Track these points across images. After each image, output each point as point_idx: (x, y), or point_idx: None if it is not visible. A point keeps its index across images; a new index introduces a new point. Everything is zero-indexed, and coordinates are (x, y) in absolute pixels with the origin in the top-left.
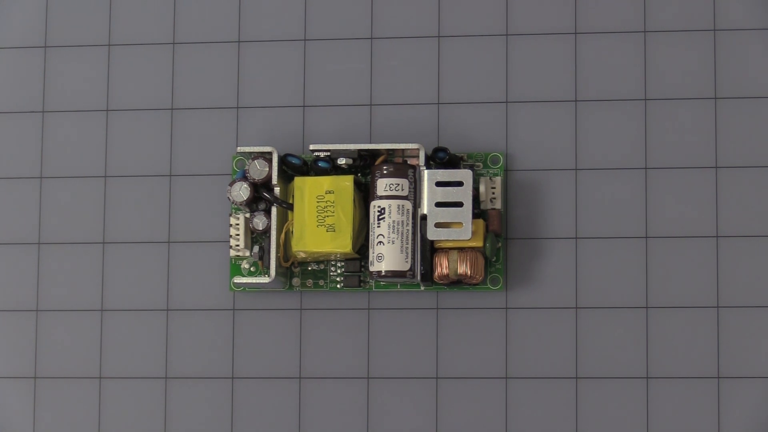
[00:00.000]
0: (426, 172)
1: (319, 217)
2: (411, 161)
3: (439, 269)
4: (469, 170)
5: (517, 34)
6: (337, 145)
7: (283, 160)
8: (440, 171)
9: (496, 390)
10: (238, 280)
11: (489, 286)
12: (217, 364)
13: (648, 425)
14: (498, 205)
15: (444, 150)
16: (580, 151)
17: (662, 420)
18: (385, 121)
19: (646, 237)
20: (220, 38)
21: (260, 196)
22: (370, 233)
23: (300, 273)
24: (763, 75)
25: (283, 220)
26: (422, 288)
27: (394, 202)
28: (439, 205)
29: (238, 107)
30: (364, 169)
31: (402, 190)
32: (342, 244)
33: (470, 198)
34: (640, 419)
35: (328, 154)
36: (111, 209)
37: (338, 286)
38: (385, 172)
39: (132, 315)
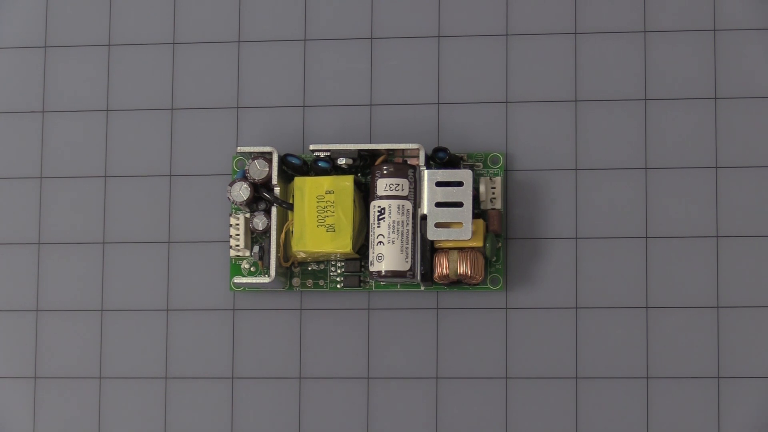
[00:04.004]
0: (426, 172)
1: (319, 217)
2: (411, 161)
3: (439, 269)
4: (469, 170)
5: (517, 34)
6: (337, 145)
7: (283, 160)
8: (440, 171)
9: (496, 390)
10: (238, 280)
11: (489, 286)
12: (217, 364)
13: (648, 425)
14: (498, 205)
15: (444, 150)
16: (580, 151)
17: (662, 420)
18: (385, 121)
19: (646, 237)
20: (220, 38)
21: (260, 196)
22: (370, 233)
23: (300, 273)
24: (763, 75)
25: (283, 220)
26: (422, 288)
27: (394, 202)
28: (439, 205)
29: (238, 107)
30: (364, 169)
31: (402, 190)
32: (342, 244)
33: (470, 198)
34: (640, 419)
35: (328, 154)
36: (111, 209)
37: (338, 286)
38: (385, 172)
39: (132, 315)
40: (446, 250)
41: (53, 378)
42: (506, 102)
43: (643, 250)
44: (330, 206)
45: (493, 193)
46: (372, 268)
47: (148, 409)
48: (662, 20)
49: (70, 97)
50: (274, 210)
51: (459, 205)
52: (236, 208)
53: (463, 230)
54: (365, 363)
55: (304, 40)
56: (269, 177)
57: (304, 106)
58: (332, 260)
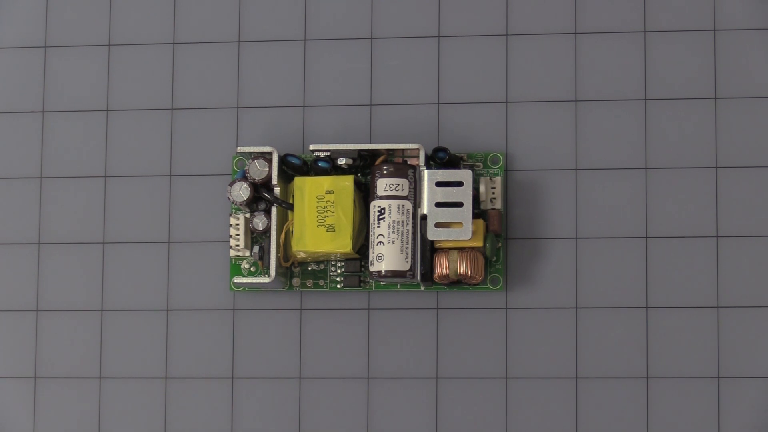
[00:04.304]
0: (426, 172)
1: (319, 217)
2: (411, 161)
3: (439, 269)
4: (469, 170)
5: (517, 34)
6: (337, 145)
7: (283, 160)
8: (440, 171)
9: (496, 390)
10: (238, 280)
11: (489, 286)
12: (217, 364)
13: (648, 425)
14: (498, 205)
15: (444, 150)
16: (580, 151)
17: (662, 420)
18: (385, 121)
19: (646, 237)
20: (220, 38)
21: (260, 196)
22: (370, 233)
23: (300, 273)
24: (763, 75)
25: (283, 220)
26: (422, 288)
27: (394, 202)
28: (439, 205)
29: (238, 107)
30: (364, 169)
31: (402, 190)
32: (342, 244)
33: (470, 198)
34: (640, 419)
35: (328, 154)
36: (111, 209)
37: (338, 286)
38: (385, 172)
39: (132, 315)
40: (446, 250)
41: (53, 378)
42: (506, 102)
43: (643, 250)
44: (330, 206)
45: (493, 193)
46: (372, 268)
47: (148, 409)
48: (662, 20)
49: (70, 97)
50: (274, 210)
51: (459, 205)
52: (236, 208)
53: (463, 230)
54: (365, 363)
55: (304, 40)
56: (269, 177)
57: (304, 106)
58: (332, 260)
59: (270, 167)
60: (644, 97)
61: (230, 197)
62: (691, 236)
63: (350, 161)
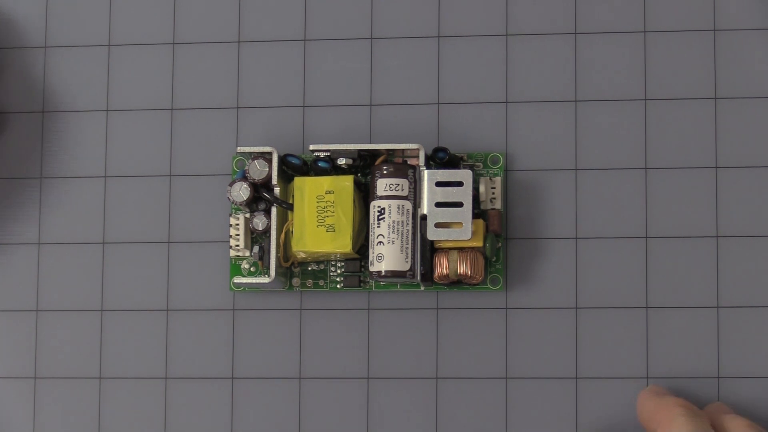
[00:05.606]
0: (426, 172)
1: (319, 217)
2: (411, 161)
3: (439, 269)
4: (469, 170)
5: (517, 34)
6: (337, 145)
7: (283, 160)
8: (440, 171)
9: (496, 390)
10: (238, 280)
11: (489, 286)
12: (217, 364)
13: None
14: (498, 205)
15: (444, 150)
16: (580, 151)
17: None
18: (385, 121)
19: (646, 237)
20: (220, 38)
21: (260, 196)
22: (370, 233)
23: (300, 273)
24: (763, 75)
25: (283, 220)
26: (422, 288)
27: (394, 202)
28: (439, 205)
29: (238, 107)
30: (364, 169)
31: (402, 190)
32: (342, 244)
33: (470, 198)
34: None
35: (328, 154)
36: (111, 209)
37: (338, 286)
38: (385, 172)
39: (132, 315)
40: (446, 250)
41: (53, 378)
42: (506, 102)
43: (643, 250)
44: (330, 206)
45: (493, 193)
46: (372, 268)
47: (148, 409)
48: (662, 20)
49: (69, 97)
50: (274, 210)
51: (459, 205)
52: (236, 208)
53: (463, 230)
54: (365, 363)
55: (304, 40)
56: (269, 177)
57: (304, 106)
58: (332, 260)
59: (270, 167)
60: (644, 97)
61: (230, 197)
62: (691, 236)
63: (350, 161)
